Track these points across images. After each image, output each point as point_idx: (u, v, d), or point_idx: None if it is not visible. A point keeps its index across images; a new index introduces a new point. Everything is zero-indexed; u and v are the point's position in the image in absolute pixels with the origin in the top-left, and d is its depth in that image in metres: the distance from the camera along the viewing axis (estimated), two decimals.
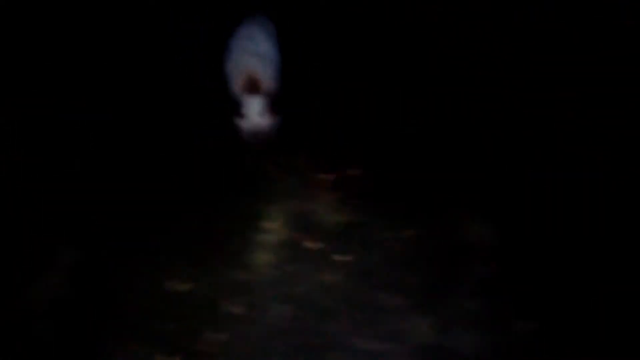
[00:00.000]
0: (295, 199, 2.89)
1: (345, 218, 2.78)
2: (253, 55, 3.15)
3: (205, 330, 2.18)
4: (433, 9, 4.02)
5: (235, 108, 3.04)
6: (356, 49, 4.13)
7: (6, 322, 2.21)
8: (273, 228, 2.69)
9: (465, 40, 3.93)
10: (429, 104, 3.68)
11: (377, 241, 2.65)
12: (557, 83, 3.50)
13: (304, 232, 2.67)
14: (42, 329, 2.18)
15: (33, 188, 2.84)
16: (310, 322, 2.25)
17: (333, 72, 3.97)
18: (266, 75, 3.13)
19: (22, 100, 3.32)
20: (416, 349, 2.14)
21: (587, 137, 3.16)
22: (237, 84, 3.09)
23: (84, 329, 2.21)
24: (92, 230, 2.63)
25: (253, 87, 3.05)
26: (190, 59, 3.88)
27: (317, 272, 2.46)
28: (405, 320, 2.26)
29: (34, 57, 3.61)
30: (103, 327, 2.21)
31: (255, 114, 2.99)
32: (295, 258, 2.52)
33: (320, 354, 2.11)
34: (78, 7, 3.81)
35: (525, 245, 2.64)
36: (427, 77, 3.91)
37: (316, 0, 4.16)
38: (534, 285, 2.42)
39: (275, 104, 3.10)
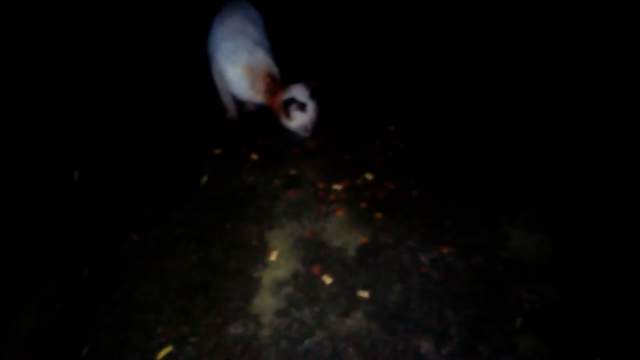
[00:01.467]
0: (303, 219, 2.40)
1: (365, 239, 2.28)
2: (257, 49, 2.69)
3: None
4: None
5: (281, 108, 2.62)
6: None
7: None
8: (278, 260, 2.21)
9: None
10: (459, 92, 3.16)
11: (407, 267, 2.14)
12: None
13: (315, 263, 2.18)
14: None
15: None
16: None
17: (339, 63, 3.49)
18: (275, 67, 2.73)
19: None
20: None
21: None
22: (255, 86, 2.67)
23: None
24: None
25: (275, 84, 2.66)
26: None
27: (333, 315, 1.97)
28: None
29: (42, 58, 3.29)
30: None
31: (309, 103, 2.61)
32: (305, 299, 2.04)
33: None
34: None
35: (586, 263, 2.12)
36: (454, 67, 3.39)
37: None
38: (601, 317, 1.91)
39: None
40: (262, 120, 2.97)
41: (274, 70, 2.70)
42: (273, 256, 2.22)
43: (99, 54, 3.57)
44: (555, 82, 3.13)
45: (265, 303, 2.03)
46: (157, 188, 2.61)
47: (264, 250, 2.26)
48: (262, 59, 2.68)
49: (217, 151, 2.83)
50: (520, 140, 2.78)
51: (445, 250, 2.20)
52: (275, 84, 2.65)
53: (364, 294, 2.04)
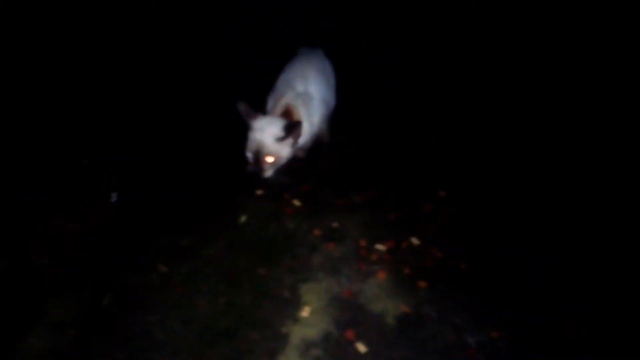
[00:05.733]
0: (341, 276, 2.24)
1: (406, 309, 2.08)
2: (298, 96, 2.63)
3: None
4: None
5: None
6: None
7: None
8: (309, 317, 2.03)
9: None
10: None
11: (451, 347, 1.93)
12: None
13: (350, 326, 2.00)
14: None
15: None
16: None
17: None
18: (305, 121, 2.59)
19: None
20: None
21: None
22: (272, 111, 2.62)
23: None
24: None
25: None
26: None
27: None
28: None
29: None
30: None
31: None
32: None
33: None
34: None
35: None
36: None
37: None
38: None
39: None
40: (308, 167, 2.89)
41: (295, 115, 2.56)
42: (305, 312, 2.05)
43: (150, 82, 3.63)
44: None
45: None
46: (193, 221, 2.51)
47: (296, 304, 2.09)
48: (292, 99, 2.60)
49: (260, 192, 2.74)
50: (592, 223, 2.56)
51: (494, 335, 1.98)
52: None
53: None
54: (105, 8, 3.93)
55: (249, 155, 2.40)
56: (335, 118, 3.04)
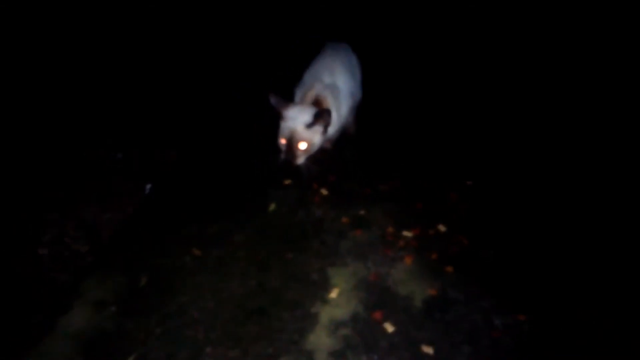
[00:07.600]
0: (368, 260, 2.28)
1: (433, 292, 2.11)
2: (326, 87, 2.68)
3: None
4: None
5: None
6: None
7: None
8: (338, 299, 2.08)
9: None
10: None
11: (478, 328, 1.95)
12: None
13: (378, 308, 2.03)
14: None
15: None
16: None
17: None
18: (334, 112, 2.62)
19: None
20: None
21: None
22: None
23: None
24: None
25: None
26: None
27: None
28: None
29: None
30: None
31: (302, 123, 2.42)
32: (363, 344, 1.88)
33: None
34: None
35: None
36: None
37: None
38: None
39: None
40: (334, 158, 2.94)
41: (325, 105, 2.58)
42: (333, 294, 2.10)
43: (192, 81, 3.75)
44: None
45: (321, 341, 1.90)
46: (225, 208, 2.59)
47: (325, 286, 2.15)
48: (320, 90, 2.63)
49: (287, 182, 2.81)
50: (622, 214, 2.54)
51: (521, 317, 1.99)
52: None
53: (428, 349, 1.86)
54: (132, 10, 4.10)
55: (282, 143, 2.46)
56: (361, 111, 3.09)
